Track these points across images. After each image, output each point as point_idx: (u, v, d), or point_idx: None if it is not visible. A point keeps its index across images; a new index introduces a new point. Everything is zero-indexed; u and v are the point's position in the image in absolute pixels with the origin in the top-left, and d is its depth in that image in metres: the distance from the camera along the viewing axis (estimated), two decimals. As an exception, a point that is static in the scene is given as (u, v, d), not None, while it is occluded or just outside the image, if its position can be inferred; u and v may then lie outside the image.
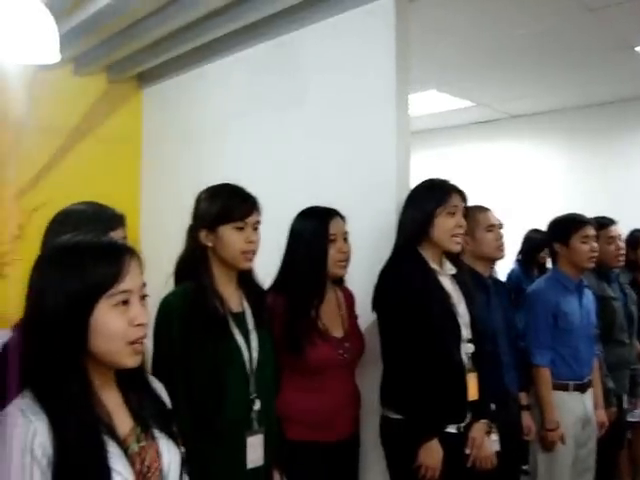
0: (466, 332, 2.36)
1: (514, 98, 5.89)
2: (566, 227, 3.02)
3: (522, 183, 6.32)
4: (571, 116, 6.08)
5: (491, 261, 2.83)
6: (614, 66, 4.87)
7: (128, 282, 1.20)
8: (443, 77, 5.14)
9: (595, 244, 2.97)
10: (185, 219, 2.05)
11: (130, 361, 1.22)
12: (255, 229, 2.01)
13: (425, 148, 6.27)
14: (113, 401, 1.25)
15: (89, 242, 1.23)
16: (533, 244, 4.59)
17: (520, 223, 4.75)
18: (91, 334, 1.17)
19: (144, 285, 1.26)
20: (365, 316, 2.48)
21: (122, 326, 1.19)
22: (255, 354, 1.99)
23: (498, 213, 2.88)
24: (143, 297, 1.25)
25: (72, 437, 1.11)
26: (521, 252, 4.71)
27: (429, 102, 5.72)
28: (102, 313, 1.17)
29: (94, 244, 1.23)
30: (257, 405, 1.96)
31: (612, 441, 3.24)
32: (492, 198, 3.66)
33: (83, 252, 1.20)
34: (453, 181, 2.44)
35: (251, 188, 2.05)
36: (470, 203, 2.49)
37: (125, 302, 1.20)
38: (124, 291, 1.20)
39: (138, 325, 1.21)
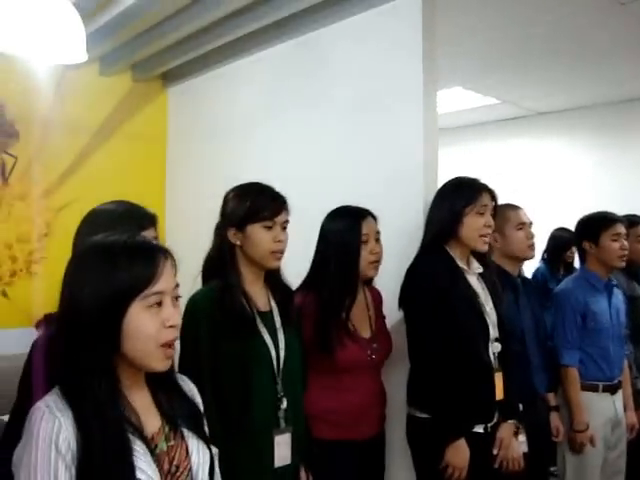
0: (493, 331, 2.34)
1: (540, 95, 5.83)
2: (596, 225, 2.97)
3: (549, 181, 6.24)
4: (601, 112, 5.98)
5: (520, 260, 2.79)
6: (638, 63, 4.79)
7: (162, 283, 1.20)
8: (468, 74, 5.11)
9: (625, 242, 2.92)
10: (210, 218, 2.05)
11: (160, 365, 1.22)
12: (284, 228, 2.01)
13: (451, 145, 6.17)
14: (142, 401, 1.25)
15: (124, 242, 1.22)
16: (559, 243, 4.54)
17: (547, 221, 4.70)
18: (123, 335, 1.17)
19: (177, 286, 1.25)
20: (392, 314, 2.47)
21: (155, 327, 1.19)
22: (282, 353, 1.99)
23: (526, 210, 2.84)
24: (176, 298, 1.25)
25: (96, 434, 1.12)
26: (547, 251, 4.66)
27: (454, 99, 5.68)
28: (135, 314, 1.17)
29: (129, 244, 1.22)
30: (284, 404, 1.96)
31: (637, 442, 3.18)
32: (519, 196, 3.62)
33: (118, 253, 1.20)
34: (482, 179, 2.41)
35: (277, 187, 2.04)
36: (498, 201, 2.46)
37: (158, 303, 1.20)
38: (158, 292, 1.19)
39: (170, 327, 1.21)
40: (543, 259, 4.68)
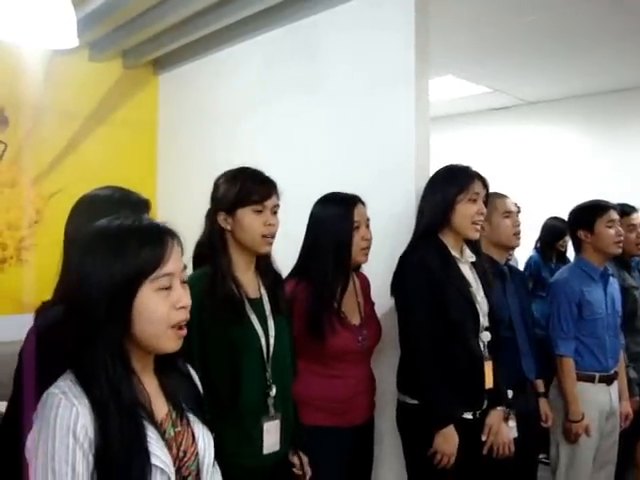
0: (484, 320, 2.35)
1: (532, 84, 5.83)
2: (590, 213, 2.97)
3: (541, 170, 6.26)
4: (591, 102, 6.01)
5: (507, 248, 2.80)
6: (630, 52, 4.79)
7: (171, 265, 1.20)
8: (460, 63, 5.10)
9: (620, 229, 2.93)
10: (201, 204, 2.04)
11: (172, 345, 1.22)
12: (274, 213, 2.00)
13: (443, 133, 6.19)
14: (151, 385, 1.26)
15: (132, 226, 1.22)
16: (552, 232, 4.57)
17: (539, 210, 4.73)
18: (134, 318, 1.17)
19: (185, 268, 1.26)
20: (383, 301, 2.47)
21: (165, 310, 1.19)
22: (272, 340, 1.99)
23: (516, 200, 2.84)
24: (184, 280, 1.25)
25: (113, 422, 1.12)
26: (540, 240, 4.68)
27: (446, 88, 5.68)
28: (145, 296, 1.17)
29: (137, 228, 1.22)
30: (273, 391, 1.95)
31: (631, 430, 3.20)
32: (510, 185, 3.63)
33: (127, 236, 1.20)
34: (473, 167, 2.41)
35: (267, 173, 2.03)
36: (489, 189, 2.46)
37: (167, 286, 1.20)
38: (167, 274, 1.19)
39: (180, 308, 1.21)
40: (536, 248, 4.70)
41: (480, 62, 5.12)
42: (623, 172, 5.66)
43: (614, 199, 3.20)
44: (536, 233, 4.68)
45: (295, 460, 2.08)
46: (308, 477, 2.10)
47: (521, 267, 4.39)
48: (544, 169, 6.24)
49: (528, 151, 6.43)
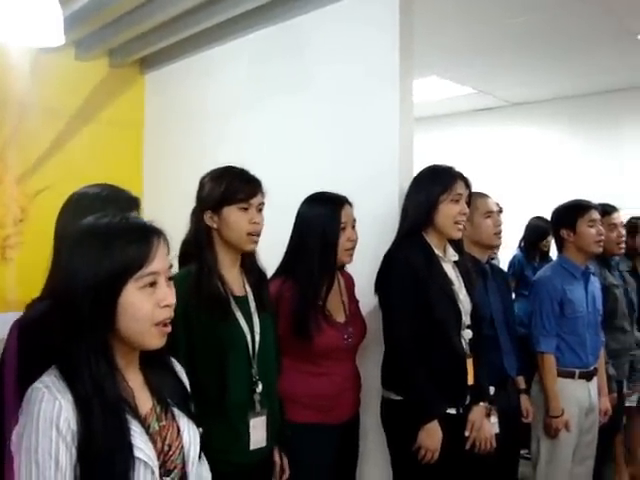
0: (466, 318, 2.38)
1: (515, 86, 5.90)
2: (572, 213, 3.02)
3: (524, 170, 6.35)
4: (573, 104, 6.10)
5: (489, 247, 2.84)
6: (617, 54, 4.86)
7: (156, 264, 1.21)
8: (445, 64, 5.15)
9: (601, 228, 2.98)
10: (187, 203, 2.05)
11: (156, 342, 1.24)
12: (259, 210, 2.02)
13: (428, 134, 6.26)
14: (135, 381, 1.27)
15: (118, 223, 1.24)
16: (536, 231, 4.61)
17: (523, 210, 4.78)
18: (119, 315, 1.19)
19: (171, 266, 1.27)
20: (367, 300, 2.49)
21: (149, 308, 1.20)
22: (257, 337, 2.00)
23: (500, 200, 2.88)
24: (170, 278, 1.26)
25: (96, 416, 1.13)
26: (523, 239, 4.73)
27: (431, 88, 5.71)
28: (130, 294, 1.19)
29: (123, 225, 1.24)
30: (260, 387, 1.97)
31: (610, 426, 3.26)
32: (494, 185, 3.67)
33: (113, 234, 1.21)
34: (457, 168, 2.44)
35: (254, 172, 2.05)
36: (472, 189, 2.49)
37: (152, 284, 1.21)
38: (152, 273, 1.21)
39: (165, 306, 1.22)
40: (520, 247, 4.75)
41: (464, 63, 5.16)
42: (607, 173, 5.77)
43: (597, 199, 3.26)
44: (520, 233, 4.73)
45: (277, 458, 2.11)
46: (286, 476, 2.12)
47: (504, 266, 4.43)
48: (529, 169, 6.32)
49: (513, 152, 6.52)
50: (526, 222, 4.75)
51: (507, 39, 4.55)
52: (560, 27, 4.28)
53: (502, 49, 4.81)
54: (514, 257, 4.71)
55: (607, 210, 3.35)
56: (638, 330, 3.62)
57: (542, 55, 4.92)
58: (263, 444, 1.99)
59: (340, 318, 2.38)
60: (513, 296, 3.45)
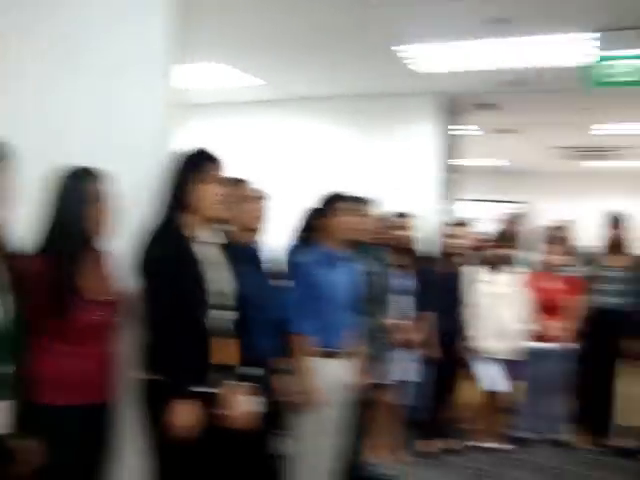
0: (226, 300, 2.47)
1: (303, 82, 6.23)
2: (328, 202, 3.25)
3: (303, 161, 6.75)
4: (351, 103, 6.61)
5: (250, 231, 2.95)
6: (375, 62, 5.38)
7: None
8: (234, 52, 5.25)
9: (356, 217, 3.24)
10: None
11: None
12: None
13: (211, 120, 6.60)
14: None
15: None
16: (306, 219, 4.83)
17: (299, 198, 5.01)
18: None
19: None
20: (127, 279, 2.47)
21: None
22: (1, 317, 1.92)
23: (276, 189, 2.99)
24: None
25: None
26: (296, 226, 4.93)
27: (219, 76, 5.77)
28: None
29: None
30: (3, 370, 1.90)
31: (364, 402, 3.55)
32: (271, 174, 3.80)
33: None
34: (222, 153, 2.51)
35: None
36: (249, 177, 2.66)
37: None
38: None
39: None
40: (293, 234, 4.95)
41: (254, 54, 5.30)
42: (375, 168, 6.37)
43: (359, 191, 3.52)
44: (293, 220, 4.94)
45: (22, 443, 2.03)
46: (36, 461, 2.06)
47: (277, 252, 4.60)
48: (307, 161, 6.73)
49: (295, 143, 6.90)
50: (301, 210, 4.98)
51: (298, 36, 4.77)
52: (336, 31, 4.57)
53: (293, 46, 5.04)
54: (289, 244, 4.90)
55: (362, 201, 3.64)
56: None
57: (325, 55, 5.23)
58: (6, 430, 1.93)
59: (96, 296, 2.33)
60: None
